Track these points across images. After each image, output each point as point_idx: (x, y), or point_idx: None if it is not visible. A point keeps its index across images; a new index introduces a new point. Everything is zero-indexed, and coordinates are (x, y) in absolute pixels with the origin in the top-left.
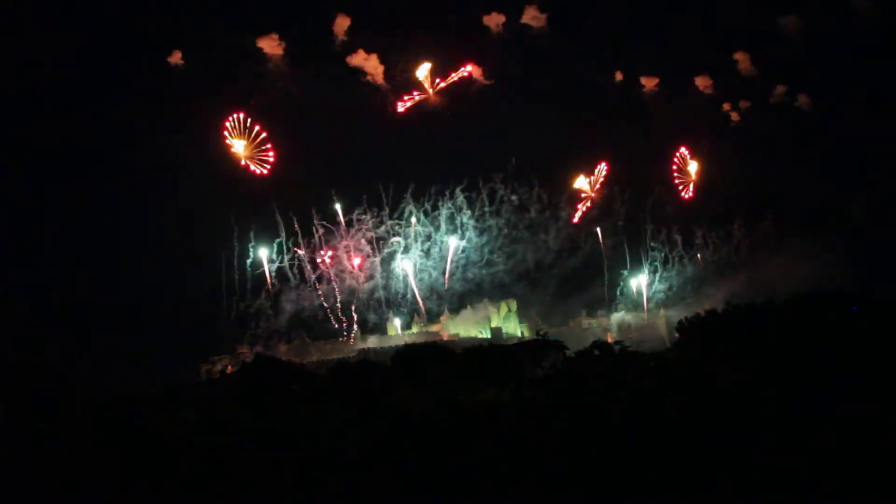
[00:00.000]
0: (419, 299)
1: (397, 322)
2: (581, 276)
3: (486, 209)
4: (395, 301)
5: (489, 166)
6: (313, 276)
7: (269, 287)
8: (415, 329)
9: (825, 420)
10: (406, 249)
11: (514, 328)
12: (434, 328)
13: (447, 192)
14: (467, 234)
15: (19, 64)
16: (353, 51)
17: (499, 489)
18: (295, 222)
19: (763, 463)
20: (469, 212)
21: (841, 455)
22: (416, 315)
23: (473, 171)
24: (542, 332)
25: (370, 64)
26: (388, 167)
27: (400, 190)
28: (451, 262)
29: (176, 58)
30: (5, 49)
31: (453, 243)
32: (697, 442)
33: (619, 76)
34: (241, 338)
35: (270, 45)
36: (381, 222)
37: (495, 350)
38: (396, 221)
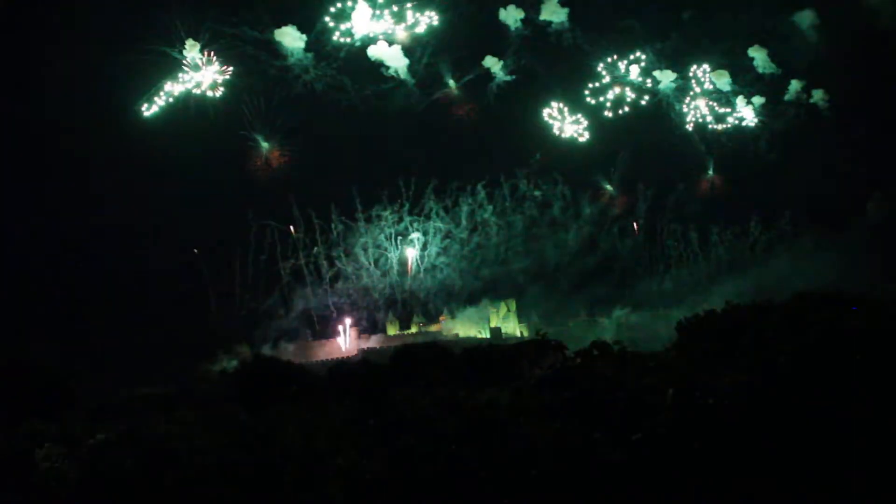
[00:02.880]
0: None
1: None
2: (589, 274)
3: (507, 205)
4: (401, 300)
5: (511, 162)
6: (329, 274)
7: (283, 285)
8: (414, 329)
9: (826, 421)
10: (424, 246)
11: (514, 328)
12: (433, 328)
13: (468, 188)
14: (487, 230)
15: (25, 57)
16: (374, 42)
17: (498, 490)
18: (314, 218)
19: (763, 464)
20: (490, 208)
21: (842, 456)
22: (414, 315)
23: (495, 167)
24: (541, 333)
25: (391, 56)
26: (409, 162)
27: (421, 186)
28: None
29: (192, 51)
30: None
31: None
32: (697, 442)
33: (634, 71)
34: (249, 337)
35: (290, 38)
36: (401, 218)
37: (495, 350)
38: (416, 217)
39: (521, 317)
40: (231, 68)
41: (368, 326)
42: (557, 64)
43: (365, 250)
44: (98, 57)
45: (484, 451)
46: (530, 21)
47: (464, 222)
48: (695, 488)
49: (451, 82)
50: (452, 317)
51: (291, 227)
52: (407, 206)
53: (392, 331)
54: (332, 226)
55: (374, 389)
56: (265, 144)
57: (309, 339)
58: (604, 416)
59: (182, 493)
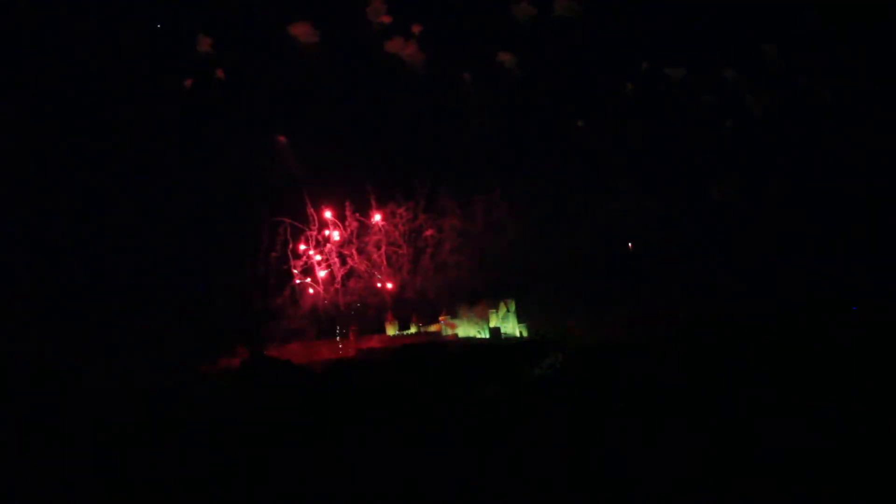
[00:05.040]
0: None
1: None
2: (591, 273)
3: (519, 203)
4: (403, 299)
5: (524, 159)
6: (341, 273)
7: (294, 283)
8: (413, 329)
9: (823, 418)
10: (437, 244)
11: (514, 328)
12: (433, 328)
13: (483, 186)
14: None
15: (32, 57)
16: (390, 38)
17: (498, 487)
18: (326, 217)
19: (762, 460)
20: (504, 205)
21: (839, 453)
22: (413, 315)
23: (509, 164)
24: (540, 333)
25: (408, 52)
26: (424, 159)
27: (436, 183)
28: None
29: (205, 45)
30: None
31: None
32: (695, 440)
33: (644, 66)
34: (255, 335)
35: (305, 33)
36: (415, 217)
37: (494, 350)
38: (430, 215)
39: (521, 317)
40: None
41: (373, 326)
42: (570, 59)
43: (378, 248)
44: (103, 52)
45: (483, 450)
46: (544, 16)
47: (476, 220)
48: (693, 486)
49: (467, 77)
50: (452, 317)
51: (304, 224)
52: (422, 204)
53: (391, 331)
54: (345, 224)
55: (374, 389)
56: (279, 139)
57: (313, 337)
58: (602, 415)
59: (181, 491)
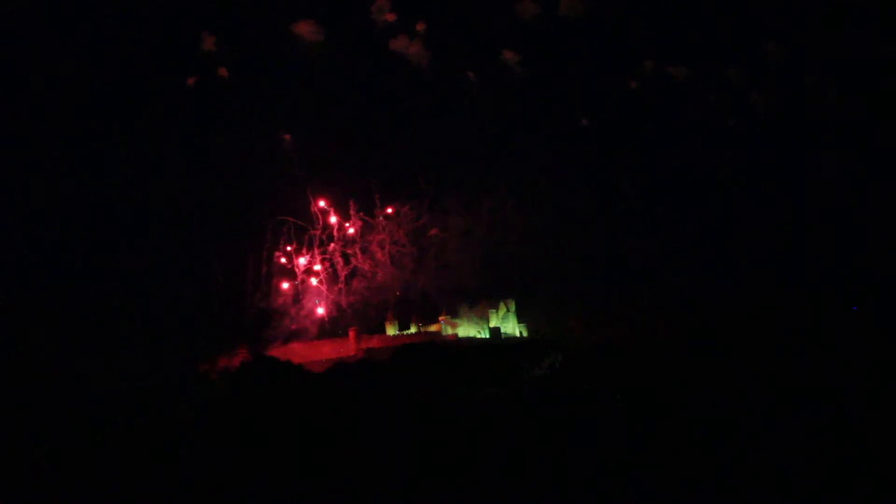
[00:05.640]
0: None
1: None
2: (591, 273)
3: (522, 202)
4: (405, 299)
5: (529, 159)
6: (344, 273)
7: (297, 283)
8: (413, 329)
9: (821, 418)
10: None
11: (514, 328)
12: (433, 328)
13: (487, 185)
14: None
15: (34, 55)
16: (394, 36)
17: (498, 485)
18: (331, 215)
19: (759, 460)
20: (507, 205)
21: (836, 453)
22: (413, 315)
23: (511, 164)
24: (540, 333)
25: (413, 51)
26: (429, 158)
27: (440, 182)
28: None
29: (209, 44)
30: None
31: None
32: (694, 440)
33: (647, 65)
34: (257, 335)
35: (309, 32)
36: (419, 216)
37: (494, 350)
38: (434, 215)
39: (521, 317)
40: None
41: (373, 326)
42: (574, 58)
43: (382, 248)
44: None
45: (482, 449)
46: (549, 15)
47: (479, 220)
48: (692, 486)
49: (472, 76)
50: (452, 317)
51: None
52: (426, 203)
53: (391, 331)
54: (348, 223)
55: (374, 388)
56: (283, 138)
57: (313, 338)
58: (601, 414)
59: (181, 489)
